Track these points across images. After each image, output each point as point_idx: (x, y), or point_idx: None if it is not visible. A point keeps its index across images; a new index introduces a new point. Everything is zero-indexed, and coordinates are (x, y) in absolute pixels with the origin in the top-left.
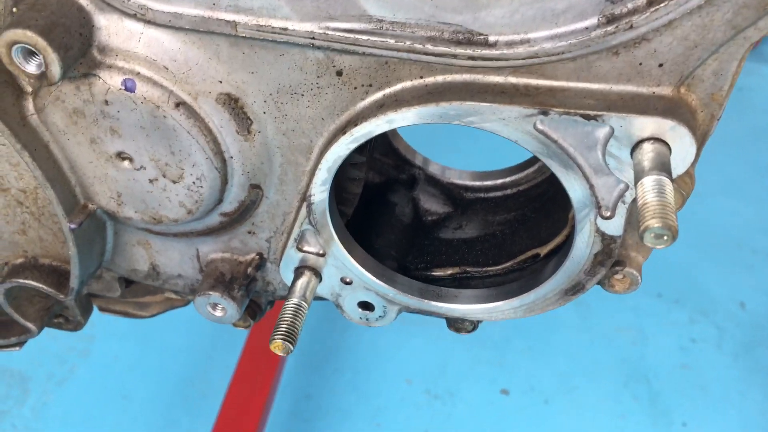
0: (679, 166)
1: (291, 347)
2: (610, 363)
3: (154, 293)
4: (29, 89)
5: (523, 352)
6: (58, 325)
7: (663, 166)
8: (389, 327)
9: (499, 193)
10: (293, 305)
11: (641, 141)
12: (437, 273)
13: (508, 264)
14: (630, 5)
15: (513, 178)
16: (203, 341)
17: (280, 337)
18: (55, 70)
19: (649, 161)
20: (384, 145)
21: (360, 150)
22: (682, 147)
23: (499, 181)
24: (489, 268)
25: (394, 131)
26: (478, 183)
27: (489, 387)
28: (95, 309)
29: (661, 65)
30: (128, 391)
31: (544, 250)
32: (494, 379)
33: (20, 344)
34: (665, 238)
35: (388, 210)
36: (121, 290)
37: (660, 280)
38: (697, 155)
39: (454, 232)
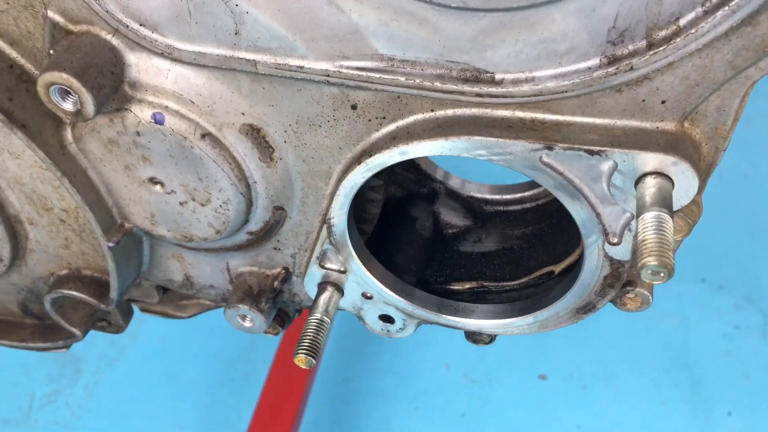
0: (682, 199)
1: (313, 361)
2: (650, 350)
3: (190, 297)
4: (67, 121)
5: (562, 338)
6: (102, 328)
7: (664, 202)
8: None
9: (518, 207)
10: (316, 320)
11: (644, 175)
12: (455, 287)
13: (523, 280)
14: (630, 47)
15: (532, 192)
16: None
17: (303, 351)
18: (90, 107)
19: (651, 196)
20: (406, 160)
21: (378, 174)
22: (685, 181)
23: (518, 195)
24: (505, 283)
25: None
26: (497, 196)
27: (527, 372)
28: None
29: (663, 102)
30: (175, 371)
31: (558, 268)
32: (532, 364)
33: (67, 347)
34: (662, 275)
35: (408, 224)
36: (159, 297)
37: (704, 266)
38: (702, 186)
39: (473, 246)
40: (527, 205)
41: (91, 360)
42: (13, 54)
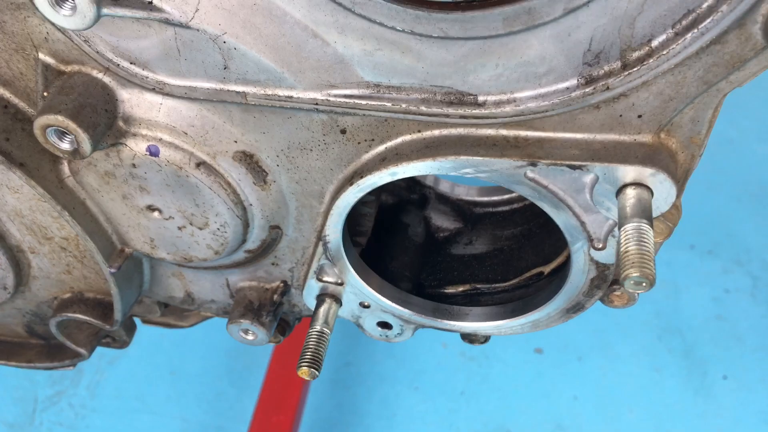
0: (662, 206)
1: (317, 373)
2: (643, 318)
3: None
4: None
5: None
6: (107, 344)
7: (644, 213)
8: None
9: (506, 208)
10: (316, 333)
11: (625, 185)
12: (449, 290)
13: (514, 281)
14: (606, 68)
15: (518, 193)
16: None
17: (306, 364)
18: (86, 146)
19: (631, 207)
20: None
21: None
22: (663, 190)
23: (506, 196)
24: (497, 285)
25: None
26: (486, 198)
27: (523, 347)
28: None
29: (640, 116)
30: (176, 366)
31: (547, 269)
32: (528, 338)
33: (73, 365)
34: (644, 284)
35: (401, 232)
36: (161, 311)
37: (692, 232)
38: (680, 192)
39: (465, 248)
40: (515, 206)
41: (92, 360)
42: (7, 94)
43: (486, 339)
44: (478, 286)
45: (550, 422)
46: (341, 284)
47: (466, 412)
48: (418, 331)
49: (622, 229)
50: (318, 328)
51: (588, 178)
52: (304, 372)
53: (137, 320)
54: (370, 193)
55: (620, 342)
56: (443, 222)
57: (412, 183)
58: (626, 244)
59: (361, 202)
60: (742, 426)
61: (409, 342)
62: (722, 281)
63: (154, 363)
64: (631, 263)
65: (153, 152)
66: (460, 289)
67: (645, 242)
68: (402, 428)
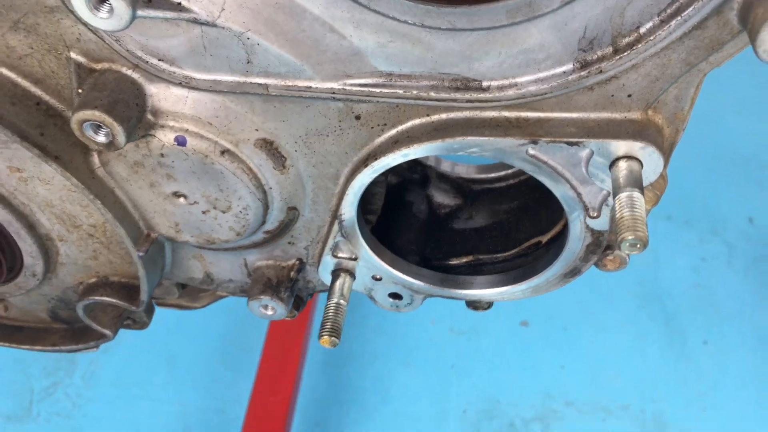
0: (650, 176)
1: (337, 341)
2: (624, 287)
3: (206, 291)
4: (95, 148)
5: None
6: (128, 326)
7: (635, 182)
8: None
9: (503, 184)
10: (334, 304)
11: (617, 159)
12: (454, 262)
13: (514, 251)
14: (599, 53)
15: (514, 169)
16: (236, 301)
17: (327, 333)
18: (121, 139)
19: (624, 178)
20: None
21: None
22: (652, 161)
23: (502, 172)
24: (498, 255)
25: None
26: (483, 175)
27: (510, 320)
28: None
29: (629, 95)
30: (172, 352)
31: (544, 239)
32: (515, 311)
33: (97, 346)
34: (638, 246)
35: (405, 209)
36: (179, 293)
37: (670, 203)
38: (666, 163)
39: (465, 222)
40: (511, 182)
41: None
42: (38, 92)
43: (489, 305)
44: (480, 257)
45: (539, 391)
46: (355, 259)
47: (458, 385)
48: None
49: (616, 197)
50: (335, 300)
51: (584, 153)
52: (325, 341)
53: None
54: (380, 174)
55: (603, 312)
56: (444, 199)
57: (414, 164)
58: (621, 210)
59: (372, 183)
60: (721, 387)
61: (399, 320)
62: (699, 250)
63: (149, 350)
64: (626, 227)
65: (180, 142)
66: (464, 260)
67: (637, 208)
68: (396, 403)
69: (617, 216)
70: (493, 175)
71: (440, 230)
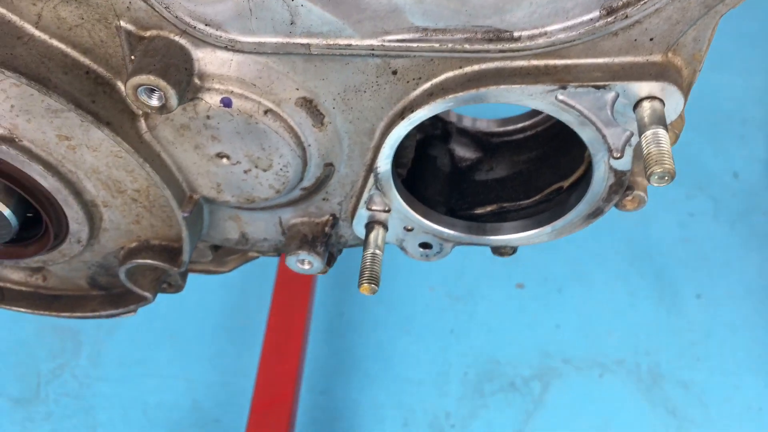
0: (672, 115)
1: (376, 288)
2: (615, 246)
3: (236, 253)
4: (140, 113)
5: (535, 248)
6: (164, 290)
7: (659, 120)
8: None
9: (521, 136)
10: (370, 254)
11: (641, 100)
12: (479, 211)
13: (537, 197)
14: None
15: (531, 121)
16: (236, 276)
17: (366, 281)
18: (173, 101)
19: (648, 117)
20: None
21: None
22: (673, 100)
23: (520, 125)
24: (521, 202)
25: None
26: (502, 128)
27: (505, 283)
28: None
29: (651, 39)
30: (174, 330)
31: (566, 184)
32: (509, 275)
33: (135, 310)
34: (666, 178)
35: (430, 163)
36: (213, 255)
37: None
38: (685, 102)
39: (487, 174)
40: (528, 133)
41: (89, 331)
42: (87, 61)
43: (514, 250)
44: (505, 205)
45: (536, 350)
46: (388, 211)
47: (457, 348)
48: (405, 278)
49: (642, 135)
50: (371, 250)
51: (609, 96)
52: (365, 288)
53: None
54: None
55: (596, 271)
56: (465, 153)
57: (436, 120)
58: (648, 147)
59: (404, 136)
60: (712, 337)
61: (397, 288)
62: (686, 206)
63: (152, 329)
64: (654, 162)
65: (226, 104)
66: (488, 209)
67: (663, 144)
68: (398, 369)
69: (644, 152)
70: (510, 127)
71: (464, 182)
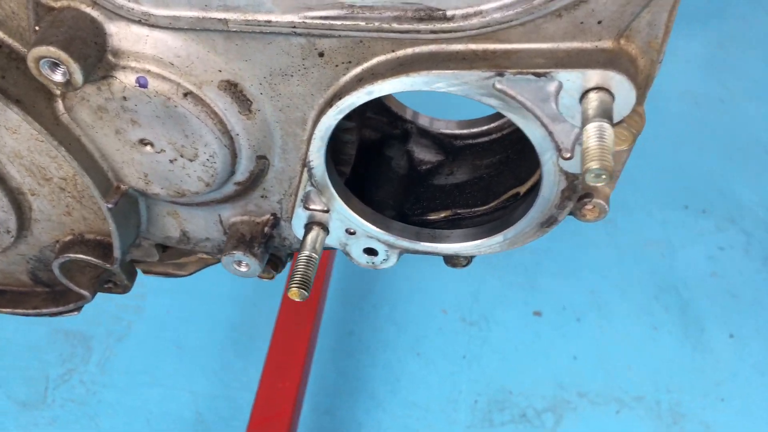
0: (623, 110)
1: (306, 294)
2: (639, 277)
3: (188, 254)
4: (57, 92)
5: (554, 274)
6: (108, 289)
7: (605, 113)
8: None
9: (485, 139)
10: (305, 257)
11: (588, 90)
12: (432, 217)
13: (493, 204)
14: None
15: (497, 123)
16: (246, 289)
17: (296, 285)
18: (78, 77)
19: (593, 109)
20: (377, 104)
21: (349, 117)
22: (624, 93)
23: (485, 127)
24: (477, 209)
25: None
26: (466, 131)
27: (522, 310)
28: (140, 272)
29: (599, 22)
30: (182, 341)
31: (523, 189)
32: (526, 302)
33: (78, 309)
34: (603, 176)
35: (384, 164)
36: (159, 255)
37: (686, 192)
38: (642, 98)
39: (446, 178)
40: (493, 136)
41: (100, 338)
42: (0, 34)
43: (468, 261)
44: (459, 211)
45: (551, 381)
46: (327, 211)
47: (468, 375)
48: (419, 299)
49: (584, 129)
50: (307, 253)
51: (552, 86)
52: (294, 293)
53: (140, 274)
54: (350, 120)
55: (617, 302)
56: (425, 155)
57: (394, 119)
58: (587, 141)
59: (342, 130)
60: (738, 378)
61: (409, 309)
62: (716, 239)
63: (161, 339)
64: (591, 157)
65: (142, 83)
66: (442, 215)
67: (605, 138)
68: (406, 392)
69: (584, 146)
70: (475, 130)
71: (420, 186)
